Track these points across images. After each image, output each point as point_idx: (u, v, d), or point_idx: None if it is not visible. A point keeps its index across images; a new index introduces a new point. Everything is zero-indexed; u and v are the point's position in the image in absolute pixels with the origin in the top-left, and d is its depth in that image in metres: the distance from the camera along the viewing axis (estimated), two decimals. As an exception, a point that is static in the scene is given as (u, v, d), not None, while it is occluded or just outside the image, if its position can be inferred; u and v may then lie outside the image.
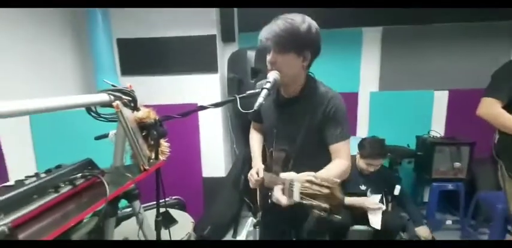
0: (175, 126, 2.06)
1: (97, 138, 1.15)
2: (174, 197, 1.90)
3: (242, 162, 2.47)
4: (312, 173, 0.81)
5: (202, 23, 2.46)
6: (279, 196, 0.89)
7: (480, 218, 2.49)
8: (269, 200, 1.15)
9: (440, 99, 2.90)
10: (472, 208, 2.44)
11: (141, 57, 2.49)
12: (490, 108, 1.45)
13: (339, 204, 0.73)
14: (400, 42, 2.81)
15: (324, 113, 1.07)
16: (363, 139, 2.02)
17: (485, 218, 2.44)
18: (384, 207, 1.94)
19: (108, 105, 0.93)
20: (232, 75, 2.55)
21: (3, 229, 0.57)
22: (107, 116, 0.99)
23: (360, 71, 2.90)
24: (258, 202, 1.33)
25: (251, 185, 1.23)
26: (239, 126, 2.62)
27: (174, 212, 1.66)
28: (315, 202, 0.74)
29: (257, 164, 1.26)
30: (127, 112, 0.93)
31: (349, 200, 1.92)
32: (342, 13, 2.63)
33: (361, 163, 1.99)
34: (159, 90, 2.56)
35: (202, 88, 2.56)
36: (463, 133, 2.67)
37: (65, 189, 0.78)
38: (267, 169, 1.21)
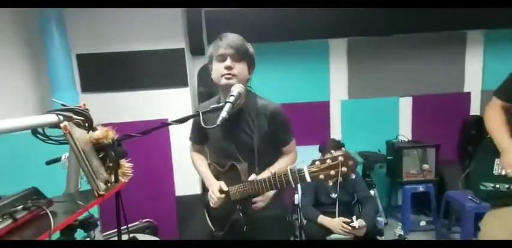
0: (143, 143, 1.97)
1: (49, 163, 1.05)
2: (144, 220, 1.77)
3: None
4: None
5: (168, 36, 2.42)
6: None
7: (452, 217, 2.59)
8: (240, 214, 1.16)
9: (405, 104, 3.05)
10: (442, 208, 2.53)
11: (104, 73, 2.38)
12: (488, 106, 1.32)
13: (354, 161, 0.93)
14: (364, 53, 2.96)
15: (270, 123, 1.17)
16: (321, 144, 2.18)
17: (456, 217, 2.53)
18: (353, 234, 1.87)
19: (58, 126, 0.85)
20: (203, 88, 2.51)
21: None
22: (58, 138, 0.91)
23: (330, 80, 2.99)
24: (216, 221, 1.26)
25: (213, 204, 1.18)
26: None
27: (144, 238, 1.54)
28: (332, 172, 0.92)
29: (214, 182, 1.22)
30: (79, 133, 0.86)
31: (321, 219, 1.94)
32: (308, 25, 2.73)
33: None
34: (127, 107, 2.44)
35: (173, 103, 2.48)
36: (429, 136, 2.82)
37: (4, 224, 0.69)
38: (229, 184, 1.17)
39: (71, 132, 0.80)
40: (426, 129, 2.97)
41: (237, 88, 1.02)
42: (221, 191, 1.16)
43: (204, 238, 1.61)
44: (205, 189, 1.30)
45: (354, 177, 0.95)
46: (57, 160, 1.02)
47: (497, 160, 1.22)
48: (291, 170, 0.99)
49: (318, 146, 2.21)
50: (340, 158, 0.92)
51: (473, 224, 2.18)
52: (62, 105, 0.93)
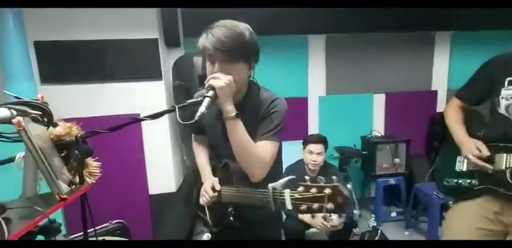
0: (113, 140, 1.83)
1: (1, 163, 0.93)
2: (114, 221, 1.66)
3: (194, 173, 2.31)
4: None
5: (141, 24, 2.26)
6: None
7: (420, 208, 2.74)
8: (230, 217, 1.10)
9: (379, 101, 3.16)
10: (411, 200, 2.68)
11: (67, 62, 2.16)
12: (448, 105, 1.39)
13: (346, 199, 0.71)
14: (342, 50, 2.99)
15: (263, 114, 1.03)
16: (304, 138, 2.27)
17: (423, 207, 2.69)
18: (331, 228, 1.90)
19: (10, 121, 0.75)
20: (178, 82, 2.40)
21: None
22: (11, 135, 0.80)
23: (308, 76, 3.00)
24: (210, 220, 1.22)
25: (204, 202, 1.12)
26: (189, 135, 2.46)
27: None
28: (315, 205, 0.72)
29: (209, 178, 1.14)
30: (36, 129, 0.76)
31: (301, 215, 1.95)
32: (287, 20, 2.69)
33: (306, 155, 2.14)
34: (93, 100, 2.26)
35: (145, 97, 2.34)
36: (399, 131, 2.94)
37: None
38: (222, 183, 1.11)
39: (26, 128, 0.70)
40: (397, 125, 3.10)
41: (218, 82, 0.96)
42: (213, 189, 1.08)
43: (180, 238, 1.55)
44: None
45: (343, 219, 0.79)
46: (11, 160, 0.91)
47: (459, 158, 1.31)
48: (273, 189, 0.83)
49: (294, 142, 2.23)
50: (327, 191, 0.70)
51: (439, 214, 2.32)
52: (16, 97, 0.82)
